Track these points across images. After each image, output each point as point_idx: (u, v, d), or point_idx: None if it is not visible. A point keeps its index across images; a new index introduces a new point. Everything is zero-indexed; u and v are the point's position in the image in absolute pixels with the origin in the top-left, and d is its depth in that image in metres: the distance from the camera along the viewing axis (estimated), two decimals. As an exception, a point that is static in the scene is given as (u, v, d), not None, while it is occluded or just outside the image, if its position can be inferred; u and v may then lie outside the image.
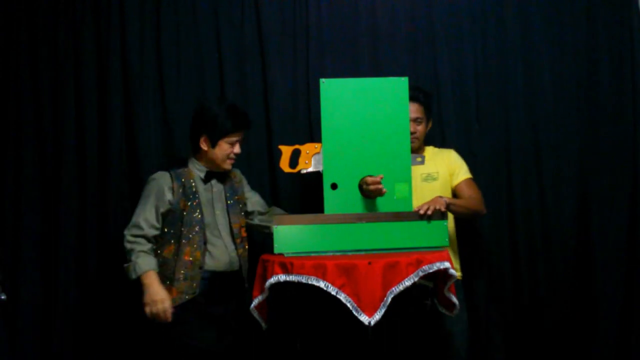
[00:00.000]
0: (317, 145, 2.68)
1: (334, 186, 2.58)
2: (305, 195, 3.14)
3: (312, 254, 2.49)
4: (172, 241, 2.64)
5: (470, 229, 3.23)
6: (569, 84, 3.34)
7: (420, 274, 2.32)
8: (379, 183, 2.53)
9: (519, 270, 3.28)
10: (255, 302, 2.48)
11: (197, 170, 2.73)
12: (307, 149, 2.69)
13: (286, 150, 2.72)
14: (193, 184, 2.69)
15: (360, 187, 2.58)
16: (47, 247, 3.12)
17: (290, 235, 2.53)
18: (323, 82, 2.60)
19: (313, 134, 3.17)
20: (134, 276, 2.57)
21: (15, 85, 3.12)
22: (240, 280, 2.78)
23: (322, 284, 2.27)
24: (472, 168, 3.08)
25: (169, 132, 3.18)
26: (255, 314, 2.51)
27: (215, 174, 2.76)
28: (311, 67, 3.23)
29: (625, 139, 3.32)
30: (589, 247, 3.31)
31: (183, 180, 2.68)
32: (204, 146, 2.68)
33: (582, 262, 3.31)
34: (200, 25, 3.22)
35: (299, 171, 2.70)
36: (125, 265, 2.59)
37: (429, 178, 2.90)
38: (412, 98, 2.76)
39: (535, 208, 3.30)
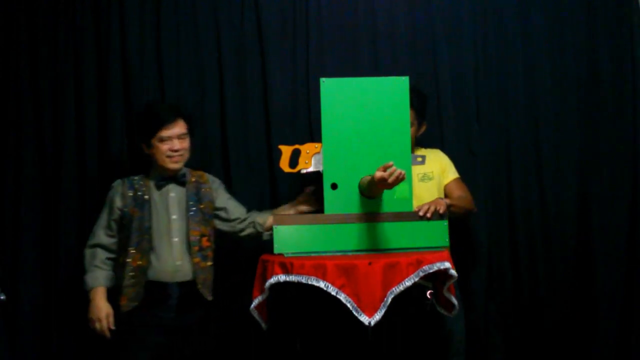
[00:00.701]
0: (317, 145, 2.68)
1: (334, 186, 2.58)
2: (305, 195, 3.14)
3: (312, 254, 2.49)
4: (124, 248, 2.65)
5: (471, 229, 3.23)
6: (569, 84, 3.34)
7: (421, 274, 2.32)
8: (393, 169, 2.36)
9: (519, 270, 3.28)
10: (255, 302, 2.48)
11: (153, 176, 2.73)
12: (307, 148, 2.69)
13: (286, 150, 2.72)
14: (145, 190, 2.69)
15: (364, 187, 2.56)
16: (47, 247, 3.12)
17: (290, 235, 2.53)
18: (323, 81, 2.59)
19: (313, 134, 3.17)
20: (85, 288, 2.67)
21: (15, 85, 3.12)
22: (194, 291, 2.66)
23: (322, 284, 2.27)
24: (472, 168, 3.09)
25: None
26: (256, 315, 2.50)
27: (173, 178, 2.72)
28: (311, 67, 3.23)
29: (625, 139, 3.32)
30: (589, 247, 3.31)
31: (136, 186, 2.70)
32: (146, 151, 2.70)
33: (582, 262, 3.31)
34: (200, 25, 3.22)
35: (299, 171, 2.70)
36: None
37: (425, 178, 2.90)
38: None
39: (535, 208, 3.30)
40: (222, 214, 2.79)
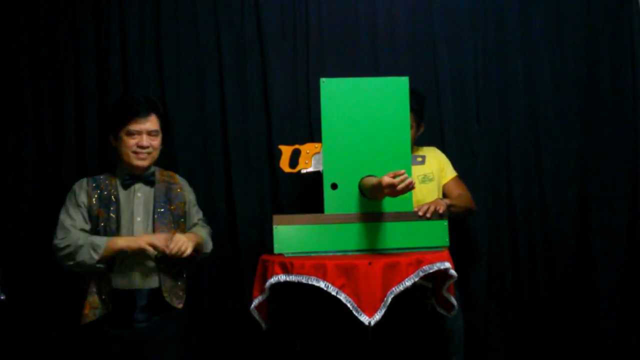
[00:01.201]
0: (317, 145, 2.68)
1: (334, 186, 2.58)
2: (305, 195, 3.14)
3: (312, 254, 2.49)
4: None
5: (471, 229, 3.23)
6: (569, 84, 3.34)
7: (421, 274, 2.32)
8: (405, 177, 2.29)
9: (519, 270, 3.28)
10: (255, 302, 2.48)
11: (119, 174, 2.56)
12: (307, 148, 2.69)
13: (286, 150, 2.72)
14: (112, 190, 2.51)
15: (366, 188, 2.56)
16: (47, 247, 3.11)
17: (290, 235, 2.53)
18: (323, 81, 2.59)
19: (313, 134, 3.17)
20: (96, 257, 2.38)
21: (15, 85, 3.12)
22: (161, 299, 2.47)
23: (322, 284, 2.27)
24: (472, 168, 3.09)
25: (168, 132, 3.18)
26: (256, 315, 2.50)
27: (140, 178, 2.55)
28: (311, 67, 3.23)
29: (625, 139, 3.32)
30: (589, 247, 3.31)
31: (102, 185, 2.52)
32: (113, 143, 2.57)
33: (582, 262, 3.31)
34: (200, 25, 3.22)
35: (299, 171, 2.70)
36: (70, 263, 2.42)
37: (425, 179, 2.90)
38: None
39: (535, 208, 3.30)
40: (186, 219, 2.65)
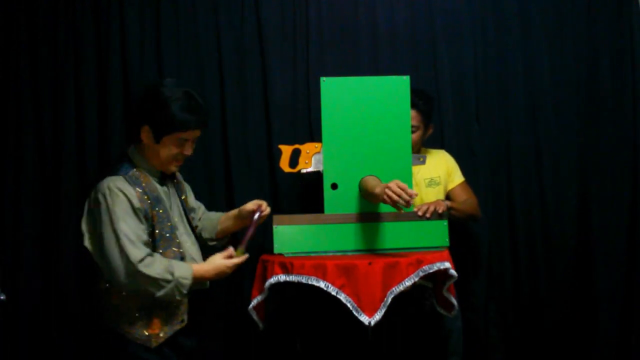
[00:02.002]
0: (317, 144, 2.68)
1: (334, 186, 2.58)
2: (305, 195, 3.14)
3: (312, 254, 2.49)
4: None
5: (470, 229, 3.23)
6: (569, 84, 3.34)
7: (421, 274, 2.32)
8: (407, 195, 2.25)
9: (519, 270, 3.29)
10: (254, 302, 2.48)
11: (148, 170, 2.23)
12: (307, 148, 2.69)
13: (286, 150, 2.72)
14: (152, 189, 2.20)
15: (363, 189, 2.56)
16: (47, 247, 3.12)
17: (290, 235, 2.53)
18: (324, 80, 2.59)
19: (313, 134, 3.17)
20: (178, 298, 2.11)
21: (15, 85, 3.12)
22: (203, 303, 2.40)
23: (322, 284, 2.27)
24: (472, 168, 3.08)
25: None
26: (253, 315, 2.50)
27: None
28: (311, 67, 3.23)
29: (625, 139, 3.32)
30: (589, 247, 3.31)
31: (143, 184, 2.17)
32: (144, 138, 2.16)
33: (582, 262, 3.31)
34: (200, 25, 3.22)
35: (299, 171, 2.70)
36: (154, 293, 2.08)
37: (432, 183, 2.89)
38: (411, 105, 2.68)
39: (535, 208, 3.30)
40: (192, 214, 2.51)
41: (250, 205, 2.45)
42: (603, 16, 3.34)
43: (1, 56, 3.12)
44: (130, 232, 2.07)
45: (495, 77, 3.33)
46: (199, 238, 2.46)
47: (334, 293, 2.25)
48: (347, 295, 2.25)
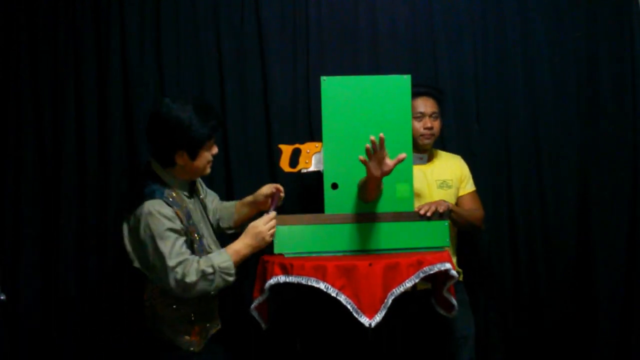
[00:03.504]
0: (317, 144, 2.67)
1: (334, 186, 2.58)
2: (305, 195, 3.14)
3: (312, 254, 2.49)
4: None
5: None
6: (569, 84, 3.34)
7: (421, 275, 2.31)
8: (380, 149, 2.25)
9: (519, 270, 3.28)
10: (255, 303, 2.47)
11: (177, 185, 2.33)
12: (307, 148, 2.68)
13: (286, 150, 2.71)
14: (184, 204, 2.32)
15: (359, 190, 2.56)
16: (47, 247, 3.12)
17: (290, 235, 2.52)
18: (324, 80, 2.59)
19: (313, 133, 3.17)
20: (231, 280, 2.25)
21: (15, 85, 3.12)
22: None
23: (322, 286, 2.26)
24: (472, 168, 3.08)
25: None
26: (256, 315, 2.50)
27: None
28: (311, 67, 3.23)
29: (625, 139, 3.31)
30: (589, 247, 3.31)
31: (177, 202, 2.28)
32: (180, 161, 2.27)
33: (582, 262, 3.31)
34: (200, 25, 3.22)
35: (299, 171, 2.70)
36: (209, 290, 2.23)
37: (444, 185, 2.89)
38: (428, 93, 2.85)
39: (535, 208, 3.30)
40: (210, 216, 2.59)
41: (266, 189, 2.55)
42: (603, 16, 3.34)
43: (1, 56, 3.12)
44: (174, 248, 2.18)
45: (495, 77, 3.33)
46: (217, 230, 2.57)
47: (334, 294, 2.25)
48: (347, 296, 2.25)
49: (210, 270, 2.21)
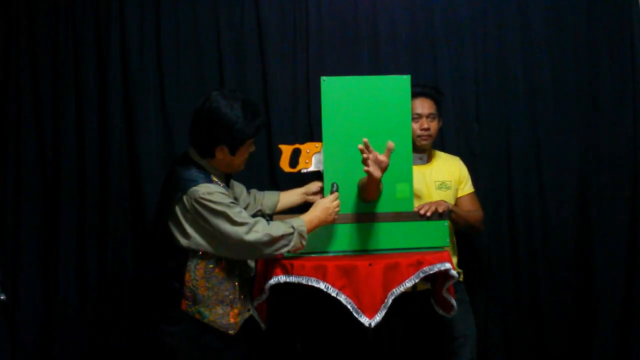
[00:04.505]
0: (317, 144, 2.67)
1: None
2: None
3: (312, 255, 2.49)
4: (222, 258, 2.37)
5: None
6: (569, 84, 3.34)
7: (421, 275, 2.32)
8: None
9: (519, 270, 3.28)
10: (255, 302, 2.48)
11: (217, 176, 2.43)
12: (307, 148, 2.68)
13: (286, 150, 2.71)
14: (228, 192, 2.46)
15: (358, 190, 2.56)
16: (47, 247, 3.12)
17: (290, 235, 2.52)
18: (324, 80, 2.59)
19: (313, 133, 3.17)
20: (305, 242, 2.39)
21: (15, 85, 3.12)
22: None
23: (322, 285, 2.27)
24: (472, 168, 3.08)
25: (169, 132, 3.17)
26: (255, 315, 2.50)
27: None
28: (311, 67, 3.23)
29: (626, 139, 3.31)
30: (589, 247, 3.30)
31: (222, 186, 2.41)
32: (220, 155, 2.37)
33: (582, 262, 3.31)
34: (200, 25, 3.22)
35: (299, 171, 2.70)
36: (286, 248, 2.35)
37: (443, 186, 2.89)
38: (425, 94, 2.85)
39: (535, 208, 3.30)
40: None
41: (314, 187, 2.75)
42: (603, 16, 3.34)
43: (1, 56, 3.12)
44: (242, 214, 2.32)
45: (495, 77, 3.33)
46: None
47: (334, 294, 2.25)
48: (348, 296, 2.25)
49: (290, 230, 2.34)
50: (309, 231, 2.41)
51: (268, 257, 2.40)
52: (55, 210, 3.11)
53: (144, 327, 2.57)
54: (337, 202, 2.49)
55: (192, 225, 2.31)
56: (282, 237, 2.34)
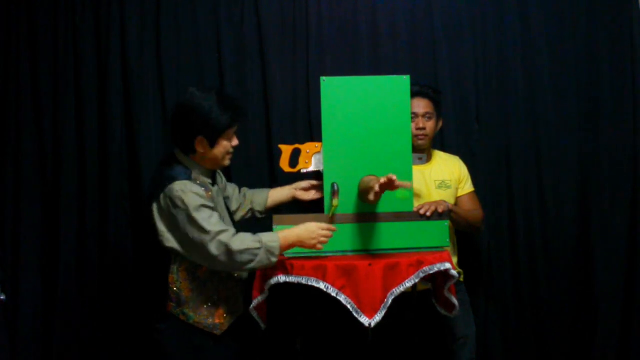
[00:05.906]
0: (317, 144, 2.67)
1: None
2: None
3: (312, 255, 2.49)
4: None
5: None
6: (569, 84, 3.34)
7: (421, 275, 2.32)
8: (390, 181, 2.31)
9: (519, 270, 3.28)
10: (254, 302, 2.47)
11: (202, 173, 2.41)
12: (307, 148, 2.68)
13: (286, 150, 2.71)
14: (209, 189, 2.40)
15: (360, 190, 2.56)
16: (47, 247, 3.12)
17: (290, 235, 2.52)
18: (324, 80, 2.58)
19: (313, 133, 3.17)
20: (274, 260, 2.28)
21: (15, 85, 3.12)
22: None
23: (322, 285, 2.27)
24: (472, 168, 3.08)
25: (168, 132, 3.17)
26: (255, 315, 2.49)
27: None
28: (311, 67, 3.23)
29: (626, 139, 3.31)
30: (589, 247, 3.30)
31: (207, 187, 2.37)
32: (200, 148, 2.35)
33: (582, 262, 3.31)
34: (200, 25, 3.22)
35: (299, 171, 2.70)
36: (251, 265, 2.26)
37: (442, 186, 2.89)
38: (421, 94, 2.85)
39: (535, 208, 3.30)
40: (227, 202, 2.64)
41: (304, 183, 2.74)
42: (603, 16, 3.34)
43: (1, 56, 3.12)
44: (211, 219, 2.25)
45: (495, 77, 3.33)
46: (244, 216, 2.71)
47: (334, 294, 2.25)
48: (347, 296, 2.25)
49: (257, 245, 2.26)
50: (285, 248, 2.32)
51: (232, 270, 2.35)
52: (55, 210, 3.11)
53: (138, 324, 2.57)
54: (327, 233, 2.37)
55: (166, 224, 2.29)
56: (245, 251, 2.24)
